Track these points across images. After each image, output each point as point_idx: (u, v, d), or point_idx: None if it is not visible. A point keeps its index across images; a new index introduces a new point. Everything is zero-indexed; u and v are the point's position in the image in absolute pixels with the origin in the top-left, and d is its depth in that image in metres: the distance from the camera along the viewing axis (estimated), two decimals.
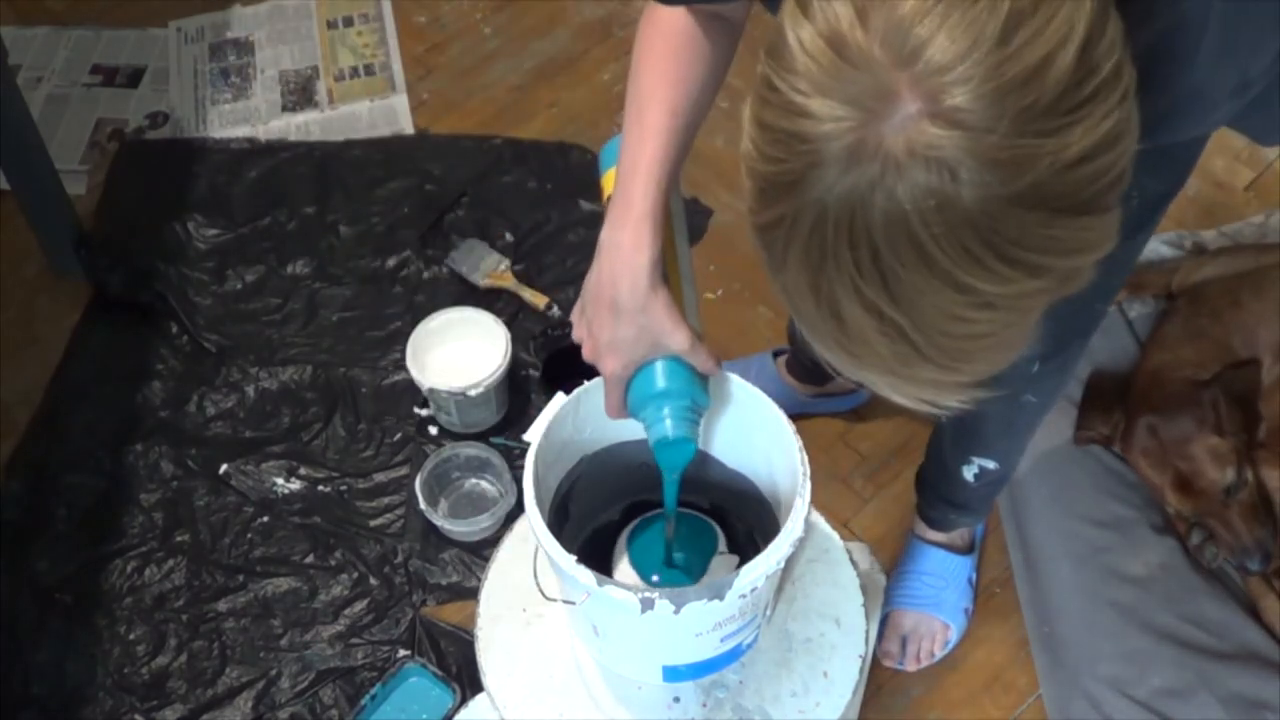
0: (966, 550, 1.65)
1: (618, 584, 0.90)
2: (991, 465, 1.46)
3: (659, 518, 1.10)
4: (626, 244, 0.96)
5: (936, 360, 0.68)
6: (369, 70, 2.24)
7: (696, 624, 0.93)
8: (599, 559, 1.07)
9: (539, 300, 1.90)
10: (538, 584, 0.98)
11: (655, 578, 1.06)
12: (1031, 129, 0.60)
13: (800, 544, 0.94)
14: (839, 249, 0.64)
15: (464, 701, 1.54)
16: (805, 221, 0.65)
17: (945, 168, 0.60)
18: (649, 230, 0.96)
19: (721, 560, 1.06)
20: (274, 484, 1.76)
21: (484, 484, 1.75)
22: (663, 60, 1.00)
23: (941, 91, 0.60)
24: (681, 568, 1.06)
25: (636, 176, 0.97)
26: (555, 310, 1.90)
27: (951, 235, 0.62)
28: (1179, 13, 0.75)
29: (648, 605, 0.89)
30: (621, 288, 0.95)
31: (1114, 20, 0.64)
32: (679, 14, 0.99)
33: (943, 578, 1.62)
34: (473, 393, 1.70)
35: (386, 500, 1.75)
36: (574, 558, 0.91)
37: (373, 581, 1.67)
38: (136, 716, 1.57)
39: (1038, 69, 0.60)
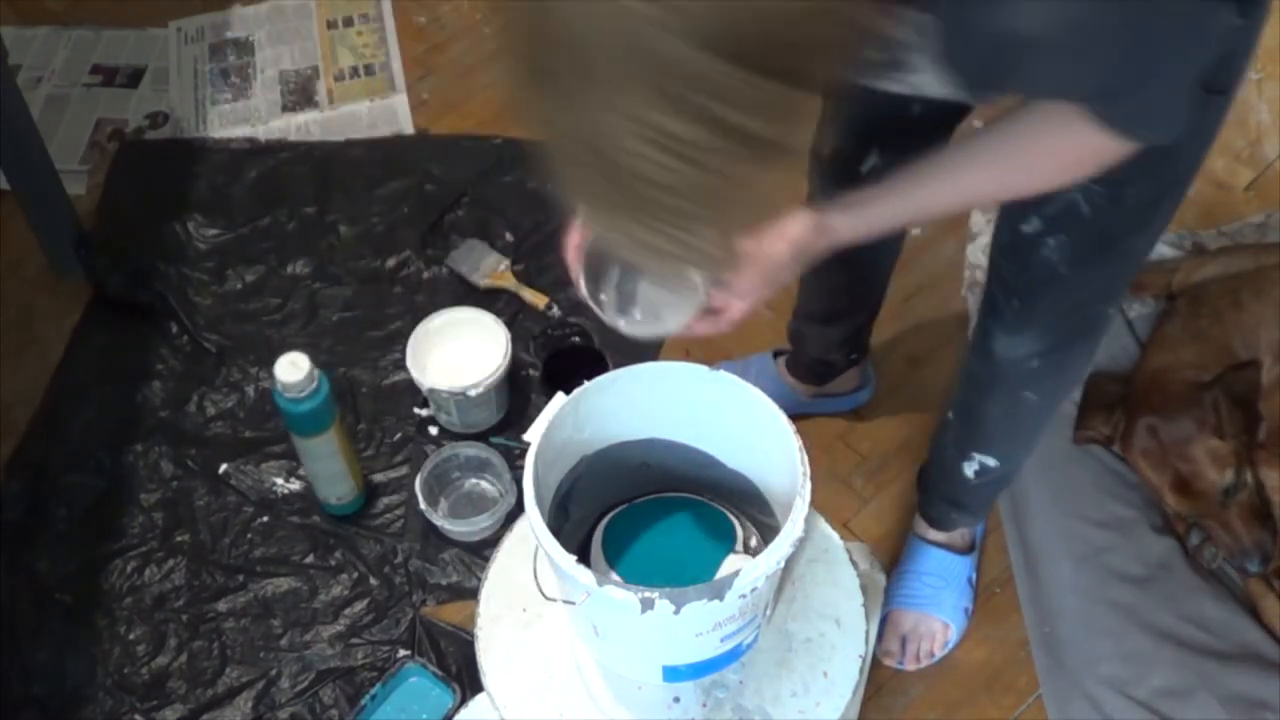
0: (966, 550, 1.65)
1: (618, 584, 0.90)
2: (993, 462, 1.46)
3: (641, 508, 1.10)
4: None
5: (637, 213, 0.67)
6: (369, 70, 2.24)
7: (696, 624, 0.93)
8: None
9: (539, 300, 1.90)
10: (538, 584, 0.98)
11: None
12: None
13: (800, 544, 0.94)
14: (540, 57, 0.64)
15: (464, 701, 1.54)
16: (518, 28, 0.65)
17: None
18: None
19: (735, 560, 1.06)
20: (274, 484, 1.76)
21: (484, 484, 1.75)
22: None
23: None
24: (683, 561, 1.06)
25: None
26: (555, 310, 1.90)
27: (610, 41, 0.60)
28: None
29: (648, 605, 0.89)
30: None
31: None
32: None
33: (943, 578, 1.62)
34: (473, 393, 1.70)
35: (386, 500, 1.75)
36: (574, 558, 0.91)
37: (373, 581, 1.67)
38: (136, 716, 1.57)
39: None
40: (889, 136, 1.38)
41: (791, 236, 1.00)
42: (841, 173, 1.46)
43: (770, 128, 0.63)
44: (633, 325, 1.05)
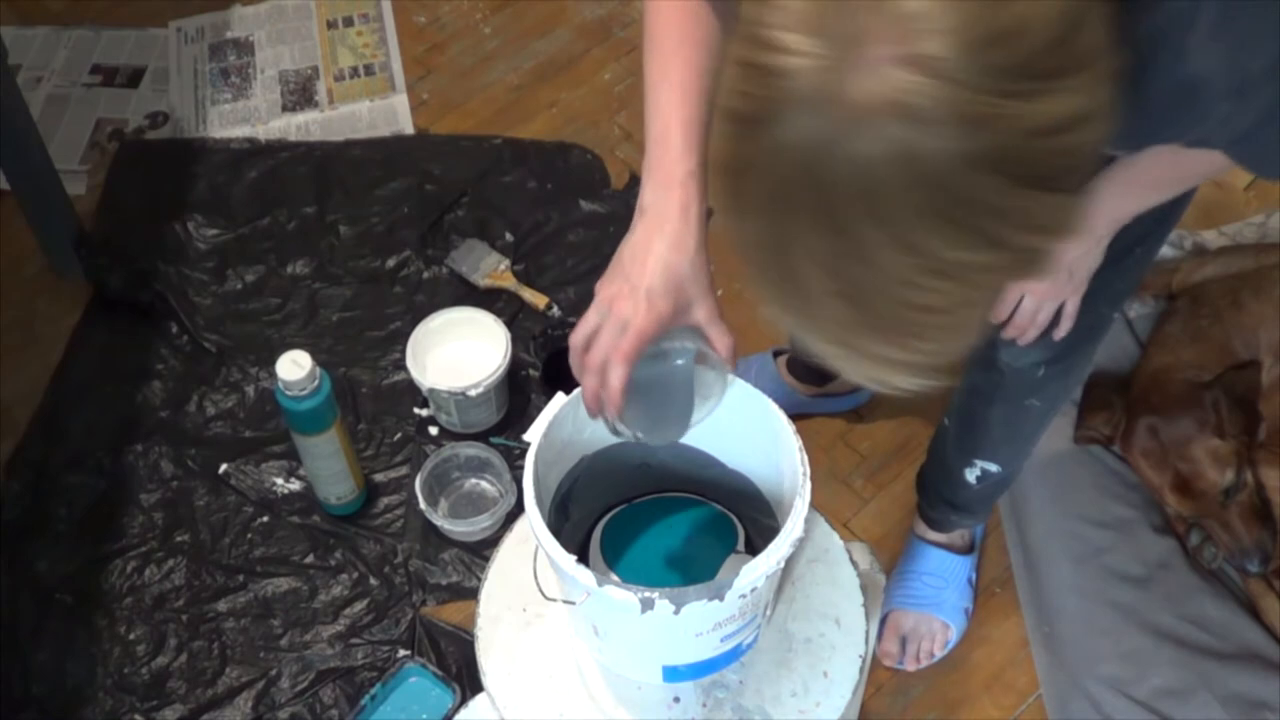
0: (966, 550, 1.65)
1: (618, 584, 0.90)
2: (994, 468, 1.46)
3: (640, 508, 1.10)
4: (675, 201, 0.94)
5: (885, 332, 0.66)
6: (369, 70, 2.24)
7: (696, 624, 0.93)
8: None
9: (539, 300, 1.90)
10: (538, 584, 0.98)
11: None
12: (1002, 87, 0.59)
13: (800, 544, 0.94)
14: (799, 195, 0.62)
15: (464, 701, 1.54)
16: (768, 163, 0.63)
17: (912, 116, 0.59)
18: (696, 188, 0.94)
19: (736, 560, 1.06)
20: (274, 484, 1.76)
21: (484, 484, 1.75)
22: (681, 22, 0.98)
23: (916, 36, 0.58)
24: (686, 562, 1.06)
25: (672, 136, 0.95)
26: (555, 310, 1.90)
27: (910, 189, 0.60)
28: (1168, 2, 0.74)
29: (648, 605, 0.89)
30: (663, 244, 0.93)
31: None
32: None
33: (943, 578, 1.62)
34: (473, 393, 1.70)
35: (386, 500, 1.75)
36: (574, 558, 0.91)
37: (373, 581, 1.67)
38: (136, 716, 1.57)
39: (1017, 27, 0.59)
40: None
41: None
42: None
43: (1040, 236, 0.63)
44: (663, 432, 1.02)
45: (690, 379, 0.98)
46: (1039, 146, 0.61)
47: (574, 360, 0.97)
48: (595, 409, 0.97)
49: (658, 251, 0.93)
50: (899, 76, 0.59)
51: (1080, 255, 1.11)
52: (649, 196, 0.95)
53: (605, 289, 0.95)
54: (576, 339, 0.96)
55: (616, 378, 0.93)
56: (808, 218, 0.62)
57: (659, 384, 0.97)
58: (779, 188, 0.63)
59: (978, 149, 0.59)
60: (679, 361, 0.97)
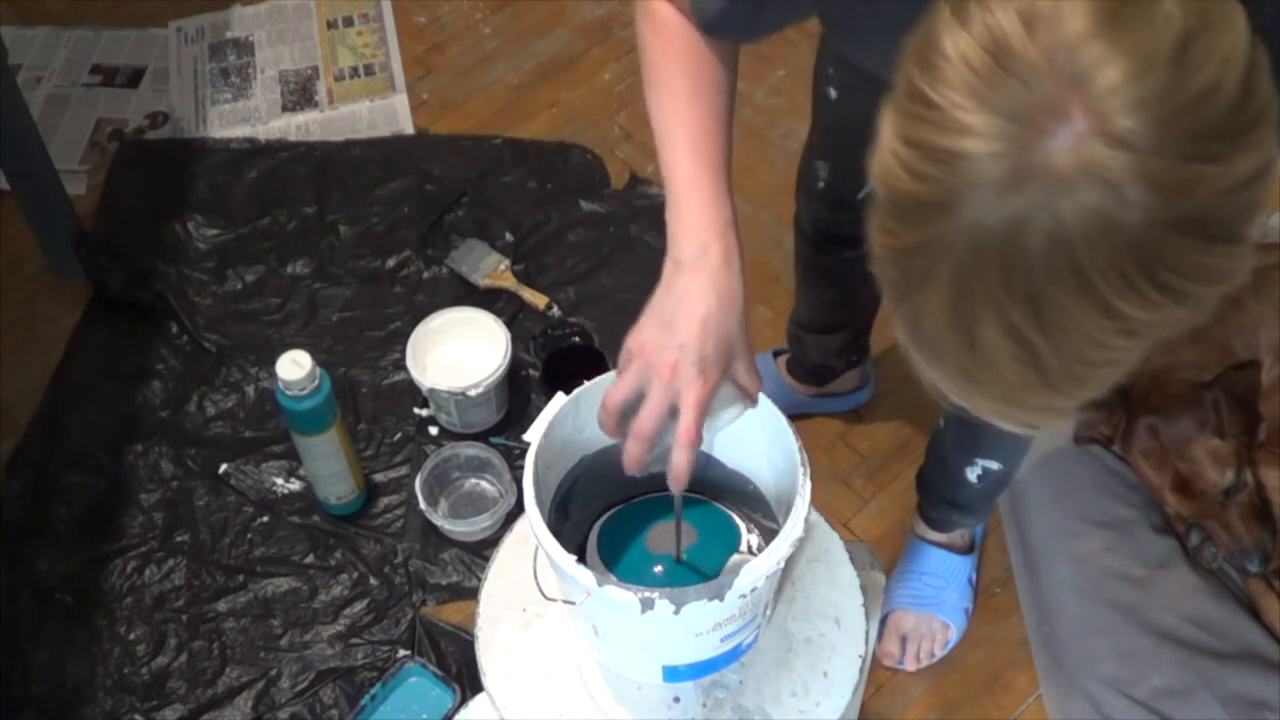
0: (966, 550, 1.65)
1: (618, 584, 0.90)
2: (995, 465, 1.46)
3: (641, 507, 1.10)
4: (717, 254, 0.92)
5: (1059, 386, 0.66)
6: (369, 70, 2.24)
7: (696, 624, 0.93)
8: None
9: (539, 300, 1.90)
10: (538, 584, 0.98)
11: (659, 568, 1.06)
12: (1199, 153, 0.59)
13: (800, 544, 0.94)
14: (990, 272, 0.61)
15: (464, 701, 1.54)
16: (957, 244, 0.62)
17: (1112, 189, 0.59)
18: (735, 238, 0.93)
19: (738, 561, 1.06)
20: (274, 484, 1.76)
21: (484, 484, 1.75)
22: (689, 64, 0.97)
23: (1113, 112, 0.58)
24: (689, 563, 1.06)
25: (700, 186, 0.93)
26: (555, 310, 1.90)
27: (1112, 259, 0.60)
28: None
29: (648, 605, 0.89)
30: (714, 302, 0.91)
31: (1260, 46, 0.63)
32: (681, 17, 0.98)
33: (943, 578, 1.62)
34: (473, 393, 1.70)
35: (386, 500, 1.75)
36: (574, 558, 0.91)
37: (373, 581, 1.67)
38: (136, 716, 1.57)
39: (1208, 92, 0.59)
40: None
41: None
42: (837, 202, 1.48)
43: (1220, 287, 0.64)
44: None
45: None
46: (1230, 204, 0.61)
47: (607, 419, 0.94)
48: (636, 470, 0.95)
49: (709, 313, 0.91)
50: (1096, 151, 0.58)
51: None
52: (686, 249, 0.92)
53: (647, 348, 0.92)
54: (615, 399, 0.93)
55: (685, 460, 0.91)
56: (1000, 291, 0.62)
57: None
58: (967, 266, 0.62)
59: (1178, 215, 0.60)
60: (728, 414, 0.97)
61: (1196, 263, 0.62)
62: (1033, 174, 0.59)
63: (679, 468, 0.92)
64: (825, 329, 1.67)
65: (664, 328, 0.91)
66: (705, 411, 0.92)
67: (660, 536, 1.08)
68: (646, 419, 0.91)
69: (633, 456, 0.93)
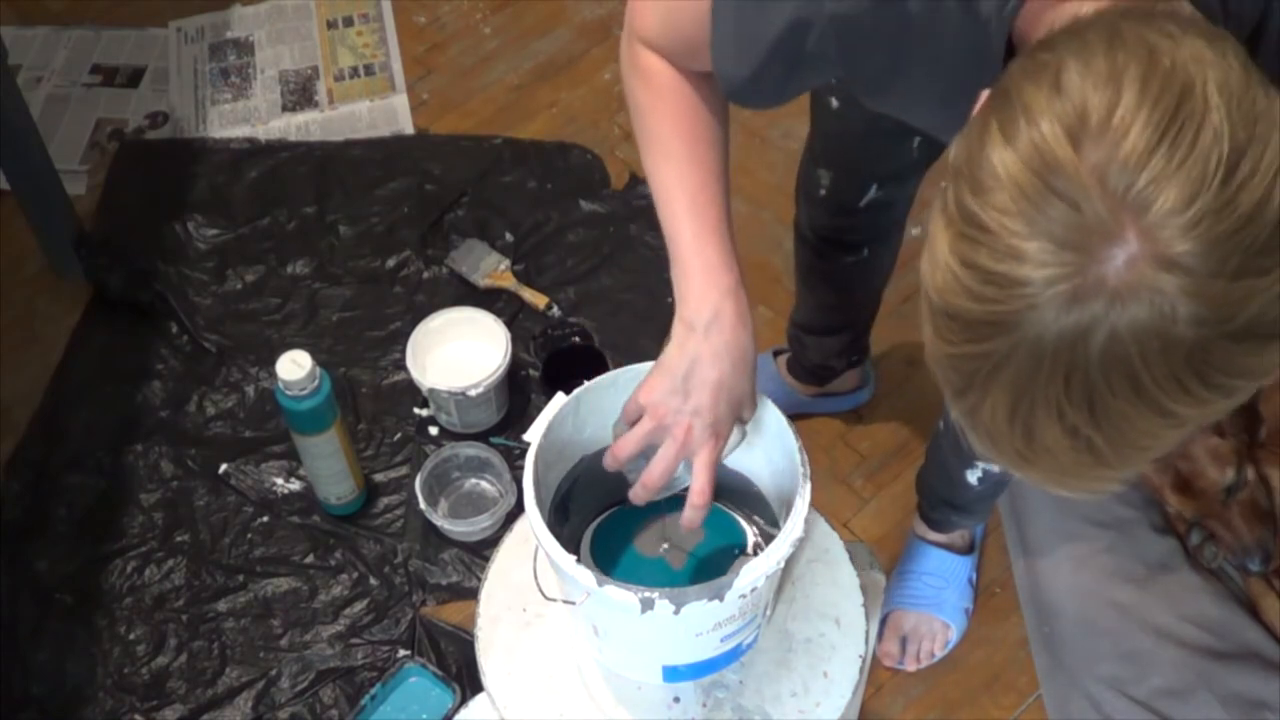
0: (967, 550, 1.65)
1: (618, 584, 0.90)
2: (995, 469, 1.46)
3: (634, 510, 1.10)
4: (730, 315, 0.94)
5: (1111, 466, 0.67)
6: (369, 70, 2.24)
7: (696, 624, 0.93)
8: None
9: (539, 300, 1.90)
10: (538, 584, 0.98)
11: (662, 546, 1.06)
12: (1251, 268, 0.60)
13: (800, 544, 0.94)
14: (1051, 380, 0.63)
15: (464, 701, 1.54)
16: (1018, 357, 0.63)
17: (1167, 307, 0.60)
18: (744, 295, 0.95)
19: (740, 560, 1.06)
20: (274, 484, 1.76)
21: (484, 484, 1.75)
22: (685, 123, 0.99)
23: (1169, 238, 0.59)
24: (693, 565, 1.06)
25: (706, 249, 0.95)
26: (555, 310, 1.90)
27: (1167, 368, 0.61)
28: None
29: (648, 605, 0.89)
30: (727, 367, 0.94)
31: None
32: (673, 71, 0.99)
33: (943, 578, 1.62)
34: (473, 393, 1.70)
35: (386, 500, 1.75)
36: (574, 558, 0.91)
37: (373, 581, 1.67)
38: (136, 716, 1.57)
39: (1257, 208, 0.60)
40: (888, 171, 1.40)
41: None
42: (838, 209, 1.48)
43: (1260, 380, 0.66)
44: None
45: None
46: (1276, 310, 0.62)
47: (613, 465, 0.99)
48: (641, 503, 1.00)
49: (722, 378, 0.94)
50: (1154, 276, 0.60)
51: None
52: (696, 311, 0.95)
53: (660, 409, 0.95)
54: (626, 451, 0.97)
55: (699, 519, 0.97)
56: (1060, 396, 0.63)
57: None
58: (1028, 375, 0.64)
59: (1231, 327, 0.61)
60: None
61: (1247, 363, 0.63)
62: (1089, 294, 0.61)
63: (692, 523, 0.97)
64: (825, 330, 1.67)
65: (676, 392, 0.95)
66: (716, 469, 0.97)
67: (654, 537, 1.08)
68: (659, 473, 0.97)
69: (639, 499, 0.99)
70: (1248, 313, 0.61)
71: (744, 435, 1.00)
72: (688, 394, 0.94)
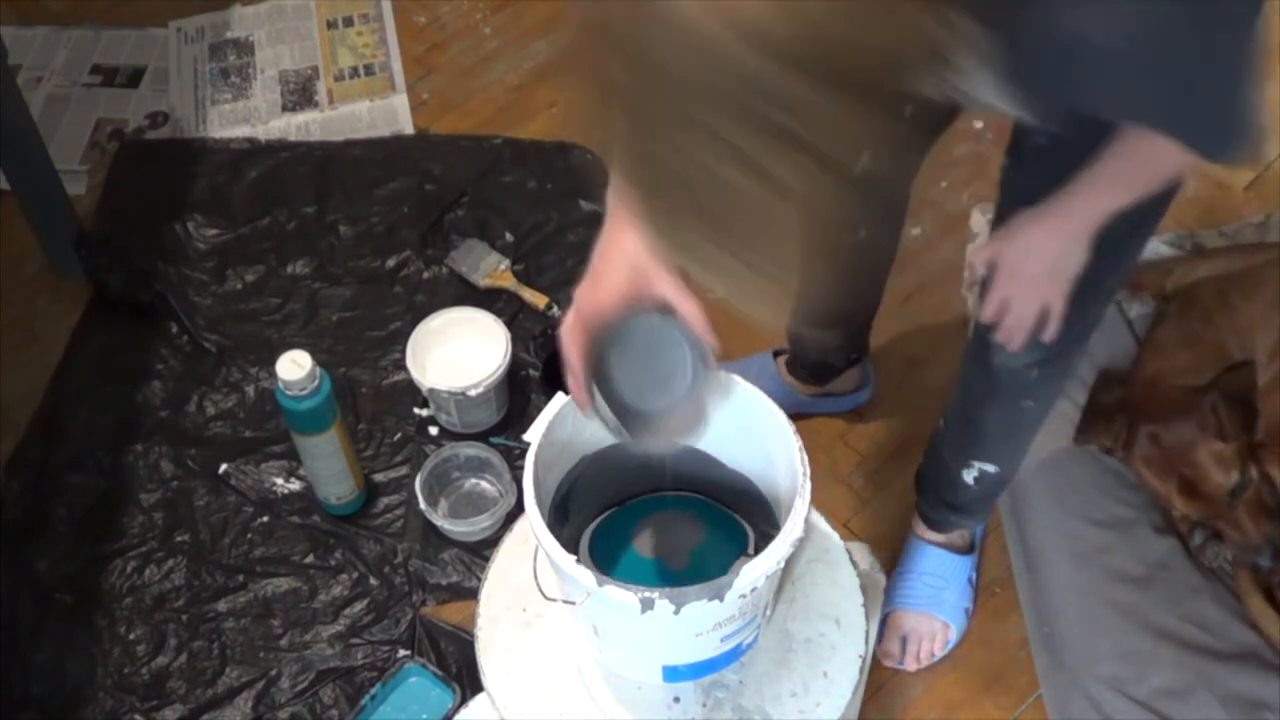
0: (966, 550, 1.65)
1: (618, 584, 0.90)
2: (992, 469, 1.46)
3: (635, 510, 1.10)
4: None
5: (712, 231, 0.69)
6: (369, 70, 2.24)
7: (696, 624, 0.93)
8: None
9: (539, 300, 1.90)
10: (538, 584, 0.98)
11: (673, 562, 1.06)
12: None
13: (800, 544, 0.94)
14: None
15: (464, 701, 1.54)
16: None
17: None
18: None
19: (744, 562, 1.06)
20: (274, 484, 1.76)
21: (484, 484, 1.75)
22: None
23: None
24: (691, 562, 1.06)
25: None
26: (555, 310, 1.90)
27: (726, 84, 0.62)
28: None
29: (648, 605, 0.89)
30: (631, 239, 0.97)
31: None
32: None
33: (943, 578, 1.62)
34: (473, 393, 1.70)
35: (386, 500, 1.75)
36: (574, 558, 0.91)
37: (373, 581, 1.67)
38: (136, 716, 1.57)
39: None
40: (879, 139, 1.39)
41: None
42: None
43: (837, 146, 0.67)
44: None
45: (668, 352, 0.98)
46: (841, 45, 0.63)
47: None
48: (582, 401, 1.00)
49: (621, 245, 0.98)
50: None
51: (1062, 254, 1.11)
52: (611, 199, 0.99)
53: (576, 290, 1.01)
54: (560, 342, 1.00)
55: (573, 355, 0.98)
56: (639, 106, 0.65)
57: (633, 356, 0.97)
58: (609, 80, 0.66)
59: (779, 43, 0.61)
60: (646, 320, 0.98)
61: (792, 98, 0.63)
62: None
63: (571, 363, 0.98)
64: (825, 323, 1.67)
65: (588, 268, 1.02)
66: (600, 313, 0.98)
67: (654, 538, 1.08)
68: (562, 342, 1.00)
69: (570, 387, 1.00)
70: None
71: (722, 383, 1.01)
72: (593, 269, 1.01)
